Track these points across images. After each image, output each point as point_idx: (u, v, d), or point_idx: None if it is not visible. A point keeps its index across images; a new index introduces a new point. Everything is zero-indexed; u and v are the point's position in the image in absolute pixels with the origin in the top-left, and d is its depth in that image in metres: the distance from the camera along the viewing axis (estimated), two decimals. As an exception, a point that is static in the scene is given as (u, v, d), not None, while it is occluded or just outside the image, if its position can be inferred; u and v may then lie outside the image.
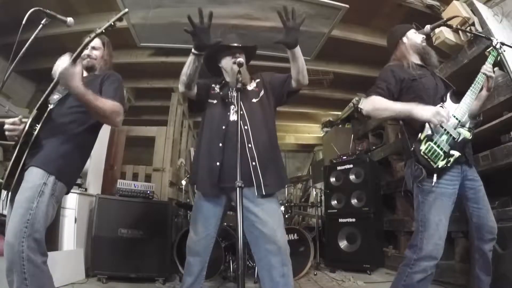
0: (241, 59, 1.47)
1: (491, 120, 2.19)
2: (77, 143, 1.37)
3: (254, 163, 1.41)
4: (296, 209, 4.14)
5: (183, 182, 3.66)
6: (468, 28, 2.23)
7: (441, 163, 1.39)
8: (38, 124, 1.25)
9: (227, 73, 1.64)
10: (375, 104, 1.53)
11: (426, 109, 1.40)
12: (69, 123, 1.35)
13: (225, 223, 2.98)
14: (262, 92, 1.60)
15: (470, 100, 1.46)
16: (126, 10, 1.41)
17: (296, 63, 1.44)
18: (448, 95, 1.49)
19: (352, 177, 3.41)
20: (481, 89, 1.51)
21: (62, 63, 1.19)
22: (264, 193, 1.39)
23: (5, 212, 2.10)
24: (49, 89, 1.28)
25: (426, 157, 1.39)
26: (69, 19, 1.52)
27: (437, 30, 2.32)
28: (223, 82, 1.65)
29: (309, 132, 6.27)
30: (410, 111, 1.42)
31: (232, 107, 1.52)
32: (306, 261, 2.84)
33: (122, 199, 2.74)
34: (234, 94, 1.49)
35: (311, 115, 5.56)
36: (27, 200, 1.16)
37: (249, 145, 1.43)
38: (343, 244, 3.22)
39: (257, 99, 1.58)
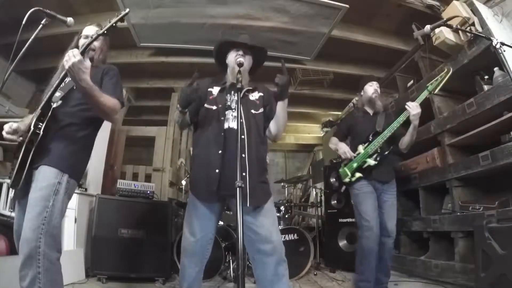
0: (241, 59, 1.46)
1: (491, 120, 2.19)
2: (84, 141, 1.42)
3: (244, 174, 1.36)
4: (296, 209, 4.14)
5: (183, 182, 3.66)
6: (468, 28, 2.23)
7: (346, 179, 2.19)
8: (42, 123, 1.26)
9: (230, 70, 1.61)
10: (330, 142, 2.41)
11: (341, 148, 2.23)
12: (75, 122, 1.37)
13: (225, 223, 2.98)
14: (261, 109, 1.58)
15: (382, 139, 2.10)
16: (128, 10, 1.40)
17: (278, 114, 1.53)
18: (370, 135, 2.18)
19: (352, 177, 3.41)
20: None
21: (72, 56, 1.17)
22: (248, 205, 1.36)
23: (4, 212, 2.13)
24: (55, 85, 1.28)
25: (340, 175, 2.25)
26: (69, 19, 1.52)
27: (437, 30, 2.32)
28: (224, 83, 1.60)
29: (309, 132, 6.27)
30: (336, 146, 2.28)
31: (230, 112, 1.49)
32: (306, 261, 2.85)
33: (122, 199, 2.74)
34: (234, 97, 1.48)
35: (311, 115, 5.56)
36: (43, 199, 1.19)
37: (243, 155, 1.39)
38: (343, 244, 3.22)
39: (256, 112, 1.55)
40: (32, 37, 1.40)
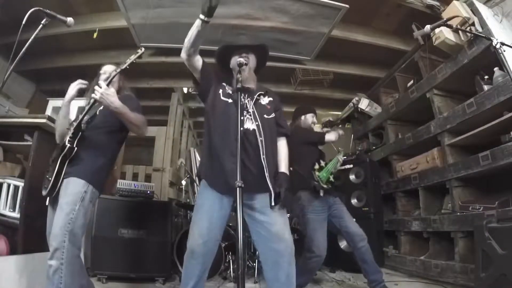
0: (242, 60, 1.46)
1: (491, 120, 2.19)
2: (108, 156, 1.66)
3: (267, 174, 1.44)
4: (296, 209, 4.13)
5: (183, 182, 3.67)
6: (468, 28, 2.23)
7: (325, 186, 2.19)
8: (74, 140, 1.51)
9: (235, 74, 1.63)
10: (329, 134, 2.41)
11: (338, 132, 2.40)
12: (101, 140, 1.61)
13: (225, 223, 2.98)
14: (273, 114, 1.63)
15: (331, 166, 2.29)
16: (143, 50, 1.65)
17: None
18: (321, 160, 2.33)
19: (352, 177, 3.41)
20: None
21: (99, 88, 1.47)
22: (273, 204, 1.42)
23: (4, 212, 2.13)
24: (86, 110, 1.53)
25: (319, 179, 2.20)
26: (69, 19, 1.53)
27: (437, 30, 2.32)
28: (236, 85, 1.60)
29: (309, 132, 6.25)
30: (337, 133, 2.40)
31: (244, 112, 1.52)
32: (306, 261, 2.84)
33: (122, 199, 2.73)
34: (246, 101, 1.53)
35: (311, 115, 5.56)
36: (71, 203, 1.43)
37: (263, 156, 1.46)
38: (343, 244, 3.22)
39: (268, 117, 1.60)
40: (32, 37, 1.41)
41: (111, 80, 1.58)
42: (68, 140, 1.49)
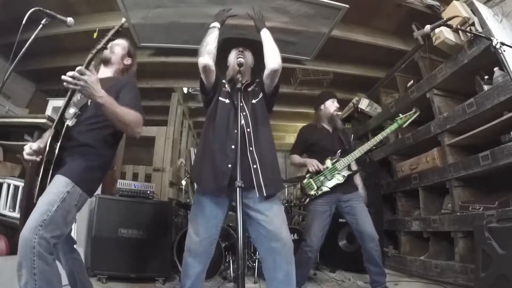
0: (242, 59, 1.47)
1: (491, 120, 2.19)
2: (102, 156, 1.42)
3: (255, 166, 1.43)
4: (296, 209, 4.14)
5: (183, 182, 3.67)
6: (468, 28, 2.22)
7: (312, 192, 2.22)
8: (58, 142, 1.28)
9: (230, 69, 1.65)
10: (291, 160, 2.47)
11: (310, 161, 2.27)
12: (89, 143, 1.37)
13: (225, 223, 2.98)
14: (260, 94, 1.62)
15: (351, 158, 2.23)
16: (124, 20, 1.43)
17: (265, 46, 1.56)
18: (339, 152, 2.28)
19: (352, 177, 3.41)
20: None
21: (77, 74, 1.17)
22: (265, 195, 1.41)
23: (4, 212, 2.13)
24: (64, 102, 1.29)
25: (304, 186, 2.28)
26: (69, 19, 1.53)
27: (437, 30, 2.32)
28: (233, 82, 1.63)
29: (309, 132, 6.25)
30: (305, 162, 2.32)
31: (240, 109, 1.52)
32: (306, 261, 2.84)
33: (122, 199, 2.74)
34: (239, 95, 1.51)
35: (311, 115, 5.52)
36: (48, 203, 1.20)
37: (250, 148, 1.45)
38: (343, 244, 3.22)
39: (256, 100, 1.59)
40: (32, 37, 1.41)
41: (89, 63, 1.29)
42: (50, 143, 1.26)
